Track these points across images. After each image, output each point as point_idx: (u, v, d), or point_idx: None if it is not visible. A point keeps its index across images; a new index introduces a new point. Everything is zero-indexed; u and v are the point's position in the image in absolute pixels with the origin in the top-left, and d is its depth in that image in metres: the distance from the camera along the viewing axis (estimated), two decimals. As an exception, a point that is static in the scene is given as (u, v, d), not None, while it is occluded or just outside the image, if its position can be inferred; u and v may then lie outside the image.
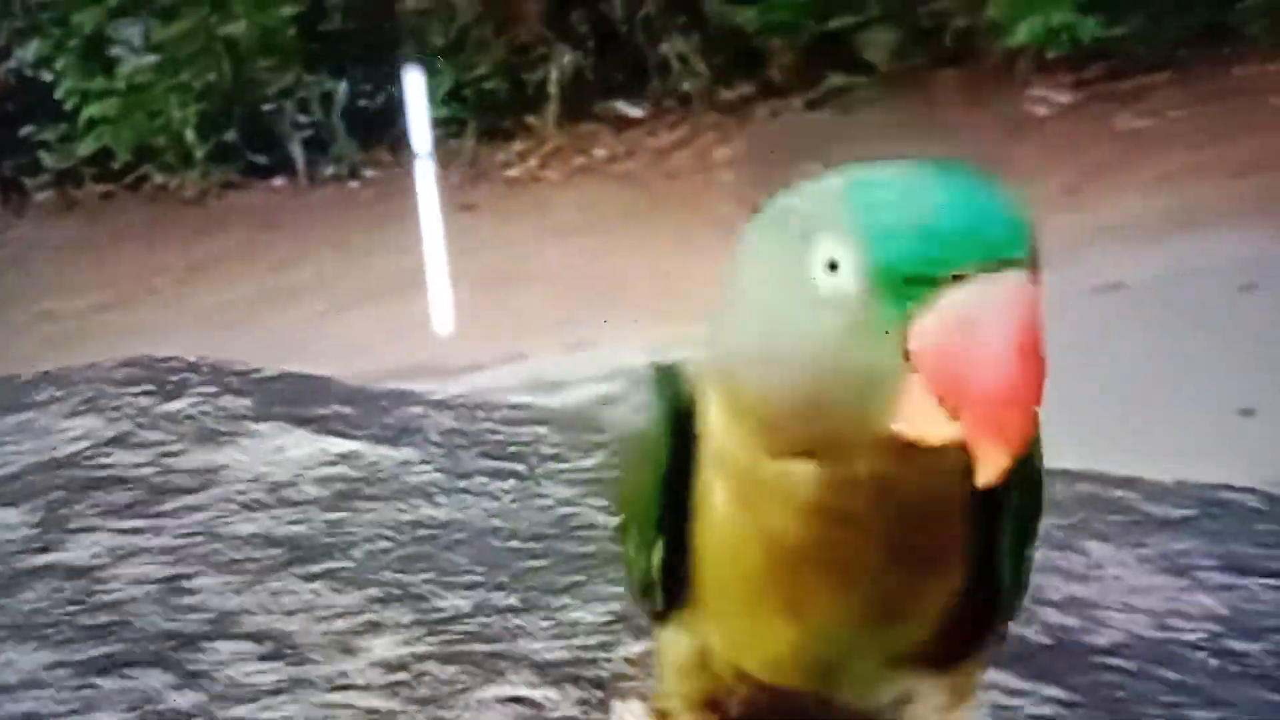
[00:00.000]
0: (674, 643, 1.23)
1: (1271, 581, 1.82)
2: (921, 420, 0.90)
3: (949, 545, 1.07)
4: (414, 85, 8.90)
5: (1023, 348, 0.88)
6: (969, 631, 1.16)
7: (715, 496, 1.06)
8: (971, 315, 0.88)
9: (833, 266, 0.92)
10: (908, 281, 0.89)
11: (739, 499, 1.04)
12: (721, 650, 1.17)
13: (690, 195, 7.94)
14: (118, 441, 2.13)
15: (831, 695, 1.23)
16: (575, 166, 8.60)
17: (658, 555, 1.15)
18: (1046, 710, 1.48)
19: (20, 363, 4.93)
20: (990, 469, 0.90)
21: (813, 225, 0.94)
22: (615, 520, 1.22)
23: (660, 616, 1.22)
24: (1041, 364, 0.89)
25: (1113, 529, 2.01)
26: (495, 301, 7.14)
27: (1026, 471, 1.05)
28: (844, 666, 1.14)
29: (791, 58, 8.65)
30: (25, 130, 10.11)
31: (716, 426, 1.04)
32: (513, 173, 8.69)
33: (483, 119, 8.90)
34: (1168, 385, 5.02)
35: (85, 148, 9.88)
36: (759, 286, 0.98)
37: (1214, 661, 1.63)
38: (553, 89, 8.73)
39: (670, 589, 1.17)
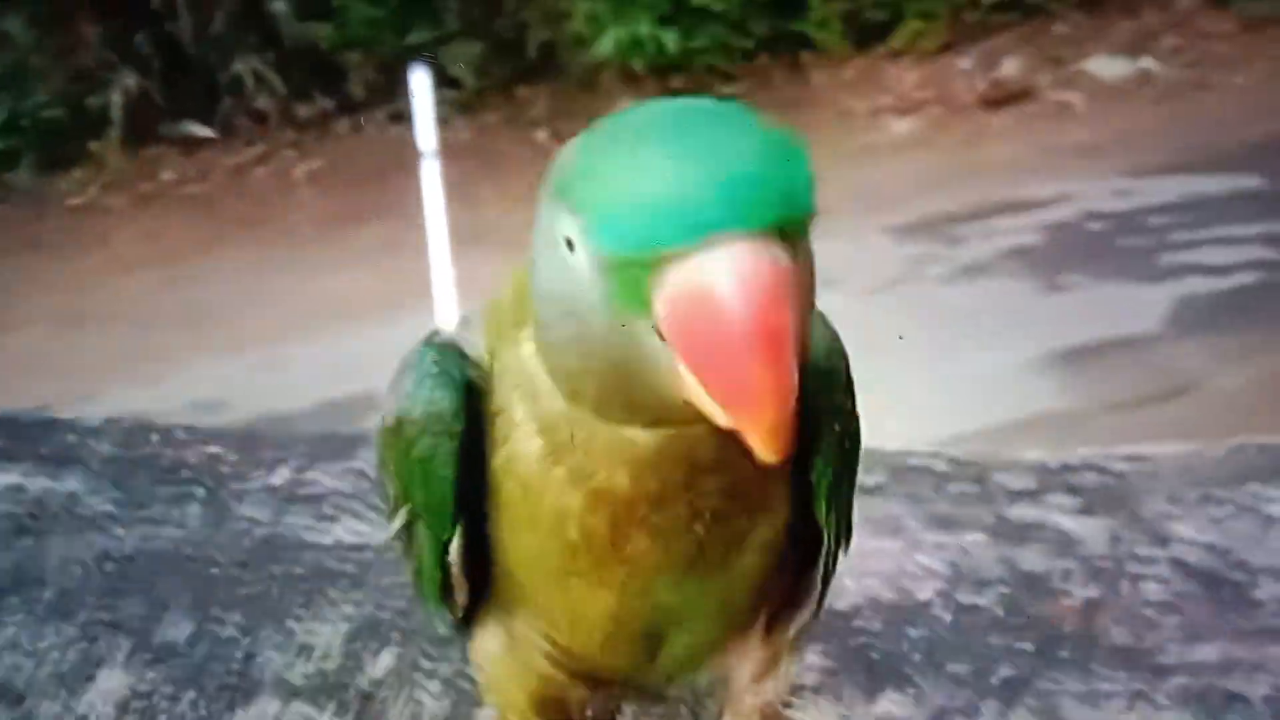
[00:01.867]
0: (487, 643, 1.17)
1: (978, 537, 1.89)
2: (698, 400, 0.83)
3: (772, 490, 1.05)
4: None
5: (764, 327, 0.80)
6: (788, 585, 1.17)
7: (526, 460, 1.00)
8: (705, 294, 0.80)
9: (570, 244, 0.86)
10: (634, 264, 0.82)
11: (561, 456, 0.98)
12: (540, 633, 1.12)
13: (269, 215, 7.75)
14: None
15: (652, 676, 1.20)
16: (141, 192, 8.24)
17: (456, 548, 1.08)
18: (812, 679, 1.50)
19: None
20: (763, 455, 0.82)
21: (555, 194, 0.88)
22: (393, 525, 1.12)
23: (465, 620, 1.16)
24: (787, 341, 0.80)
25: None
26: (64, 342, 6.76)
27: (838, 406, 1.08)
28: (665, 633, 1.11)
29: (372, 73, 8.54)
30: None
31: (539, 384, 0.97)
32: (75, 201, 8.24)
33: (42, 149, 8.43)
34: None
35: None
36: (539, 249, 0.91)
37: (950, 615, 1.68)
38: (115, 113, 8.34)
39: (472, 584, 1.11)
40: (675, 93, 8.63)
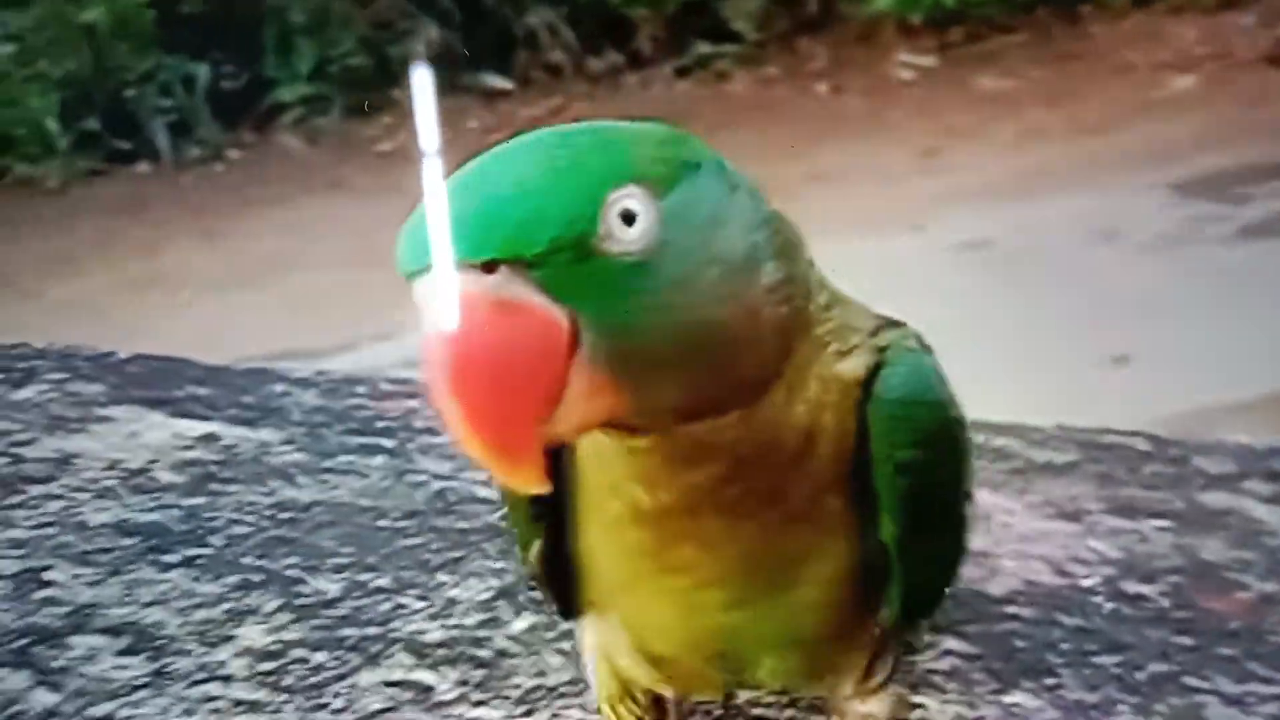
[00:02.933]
0: (586, 631, 1.19)
1: (1162, 523, 1.80)
2: None
3: (812, 514, 1.01)
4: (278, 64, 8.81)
5: (455, 353, 0.81)
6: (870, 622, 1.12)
7: (583, 470, 1.01)
8: (427, 323, 0.82)
9: None
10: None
11: (603, 467, 0.99)
12: (629, 639, 1.13)
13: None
14: None
15: (746, 682, 1.19)
16: (447, 140, 8.46)
17: (534, 551, 1.11)
18: (945, 664, 1.45)
19: None
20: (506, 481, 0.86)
21: None
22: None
23: (564, 613, 1.18)
24: (490, 372, 0.81)
25: (998, 476, 1.98)
26: (366, 281, 7.00)
27: (910, 460, 1.00)
28: (742, 658, 1.10)
29: (659, 27, 8.62)
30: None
31: None
32: (383, 147, 8.55)
33: (349, 95, 8.78)
34: (1039, 336, 5.03)
35: (-57, 142, 9.50)
36: None
37: (1111, 605, 1.60)
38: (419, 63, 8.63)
39: (562, 585, 1.13)
40: (952, 46, 8.49)
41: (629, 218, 0.83)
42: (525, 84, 8.80)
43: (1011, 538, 1.77)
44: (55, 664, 1.43)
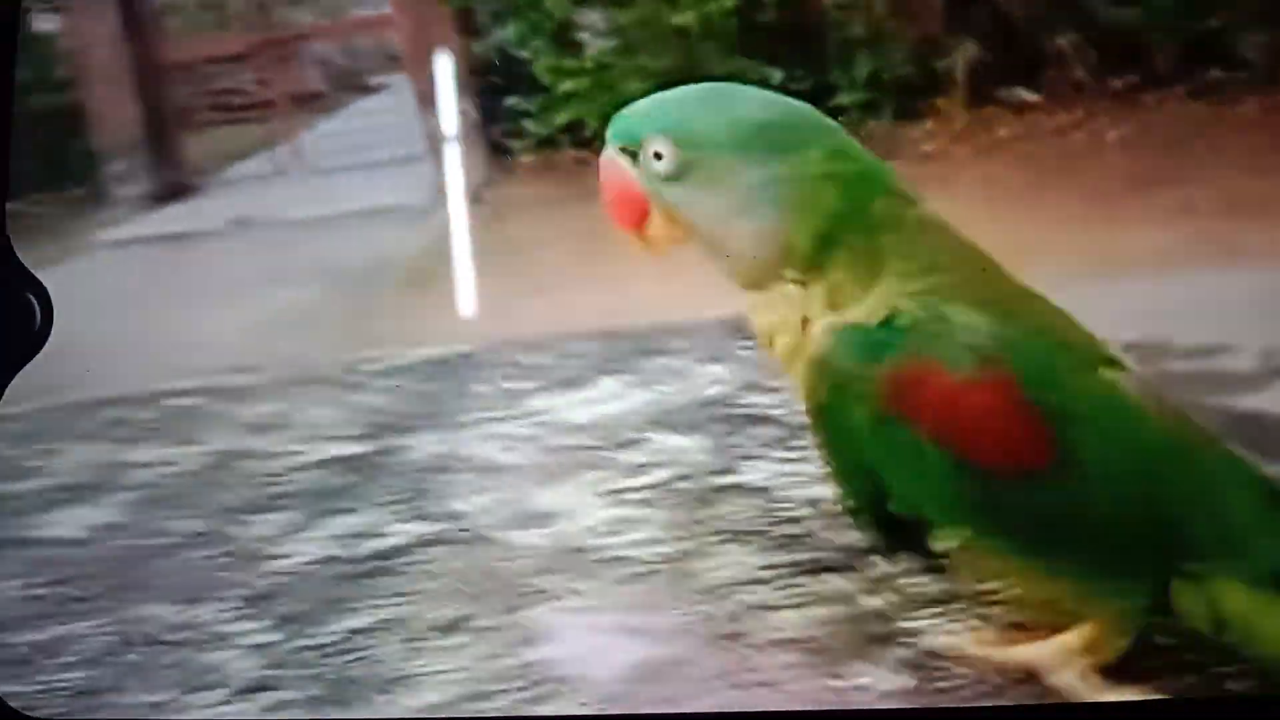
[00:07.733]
0: None
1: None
2: None
3: None
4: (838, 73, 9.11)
5: (605, 195, 1.31)
6: None
7: None
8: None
9: None
10: None
11: None
12: None
13: (1083, 172, 7.94)
14: (749, 387, 2.17)
15: None
16: (981, 145, 8.67)
17: None
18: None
19: (518, 299, 5.49)
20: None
21: None
22: None
23: None
24: (615, 204, 1.33)
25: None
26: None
27: (814, 408, 1.23)
28: None
29: (1173, 51, 8.48)
30: (510, 101, 10.02)
31: None
32: (927, 148, 8.76)
33: (897, 102, 9.07)
34: None
35: (561, 118, 10.18)
36: None
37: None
38: (958, 75, 8.80)
39: None
40: None
41: (659, 156, 1.26)
42: (1051, 97, 8.84)
43: None
44: (875, 574, 1.54)
